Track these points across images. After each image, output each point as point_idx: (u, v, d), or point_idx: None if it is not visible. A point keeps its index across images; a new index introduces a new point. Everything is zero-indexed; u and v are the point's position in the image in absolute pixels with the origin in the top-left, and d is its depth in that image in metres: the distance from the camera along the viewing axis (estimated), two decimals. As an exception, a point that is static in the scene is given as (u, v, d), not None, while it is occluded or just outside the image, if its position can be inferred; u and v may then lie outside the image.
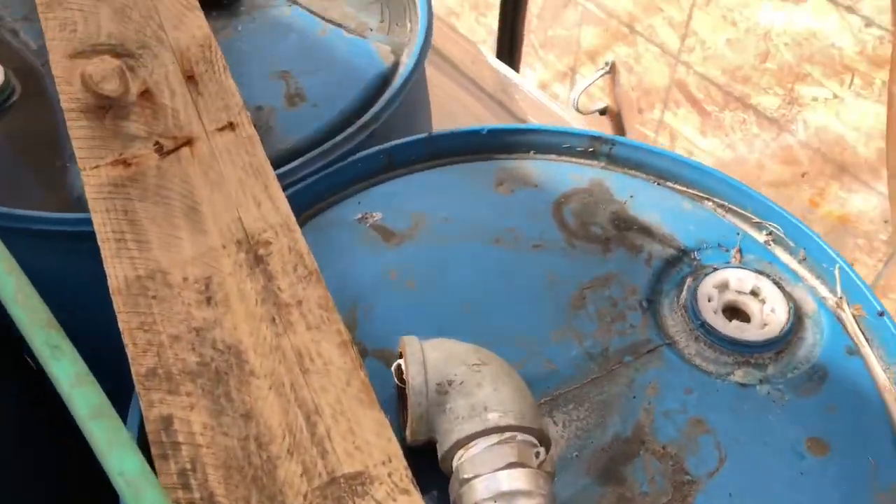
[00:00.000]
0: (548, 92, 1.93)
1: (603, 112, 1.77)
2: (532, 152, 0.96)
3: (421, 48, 1.01)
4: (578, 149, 0.95)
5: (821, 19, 1.25)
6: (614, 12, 1.61)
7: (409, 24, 1.07)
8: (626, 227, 0.86)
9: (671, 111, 1.61)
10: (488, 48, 1.78)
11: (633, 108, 1.70)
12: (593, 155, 0.95)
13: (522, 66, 1.96)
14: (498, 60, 1.69)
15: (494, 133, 0.94)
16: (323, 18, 1.05)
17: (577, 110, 1.73)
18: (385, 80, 0.98)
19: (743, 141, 1.49)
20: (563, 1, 1.72)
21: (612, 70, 1.69)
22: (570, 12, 1.72)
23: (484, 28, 2.02)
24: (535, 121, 1.57)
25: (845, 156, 1.33)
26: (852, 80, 1.26)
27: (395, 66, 1.01)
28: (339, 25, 1.05)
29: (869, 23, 1.19)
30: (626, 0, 1.56)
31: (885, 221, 1.32)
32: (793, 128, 1.38)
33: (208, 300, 0.74)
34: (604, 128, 1.80)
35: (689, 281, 0.81)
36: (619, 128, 1.76)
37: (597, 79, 1.70)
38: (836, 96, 1.29)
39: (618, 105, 1.73)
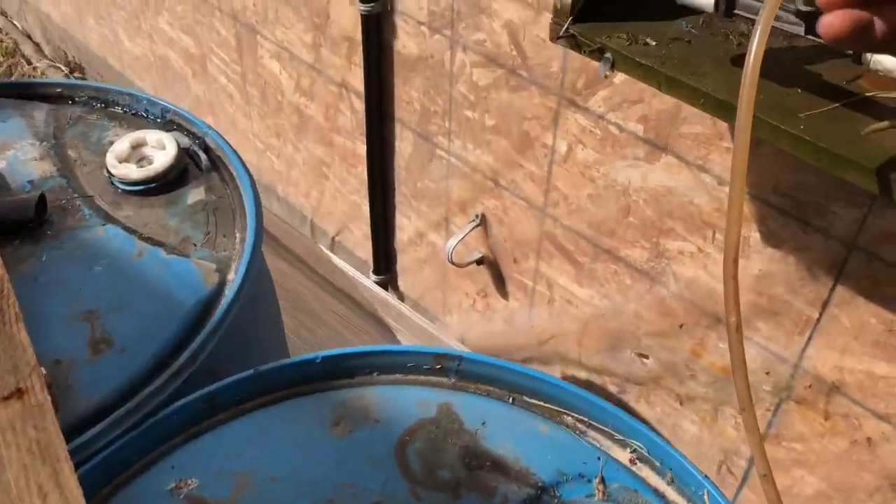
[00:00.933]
0: (425, 240, 1.87)
1: (480, 262, 1.72)
2: (375, 374, 0.87)
3: (248, 263, 0.93)
4: (425, 367, 0.87)
5: (675, 177, 1.23)
6: (477, 167, 1.57)
7: (237, 234, 0.98)
8: (477, 466, 0.77)
9: (545, 261, 1.57)
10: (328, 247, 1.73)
11: (509, 258, 1.65)
12: (442, 372, 0.87)
13: (399, 216, 1.91)
14: (341, 260, 1.63)
15: (331, 360, 0.85)
16: (140, 237, 0.96)
17: (453, 263, 1.67)
18: (207, 306, 0.89)
19: (618, 291, 1.45)
20: (427, 155, 1.69)
21: (482, 222, 1.65)
22: (436, 165, 1.68)
23: (356, 179, 1.97)
24: (395, 325, 1.51)
25: (718, 308, 1.29)
26: (714, 236, 1.23)
27: (221, 286, 0.92)
28: (158, 244, 0.95)
29: (721, 181, 1.17)
30: (487, 156, 1.53)
31: (767, 373, 1.28)
32: (664, 280, 1.35)
33: None
34: (483, 278, 1.74)
35: (549, 528, 0.72)
36: (499, 278, 1.70)
37: (468, 232, 1.65)
38: (700, 250, 1.27)
39: (493, 255, 1.68)
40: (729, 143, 1.14)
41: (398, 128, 1.72)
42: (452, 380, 0.87)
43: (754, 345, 1.28)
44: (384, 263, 2.03)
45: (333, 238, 2.20)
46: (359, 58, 1.66)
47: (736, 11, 0.77)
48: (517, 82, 1.37)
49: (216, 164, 1.08)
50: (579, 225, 1.44)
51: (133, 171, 1.02)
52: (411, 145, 1.72)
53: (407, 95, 1.63)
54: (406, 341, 1.54)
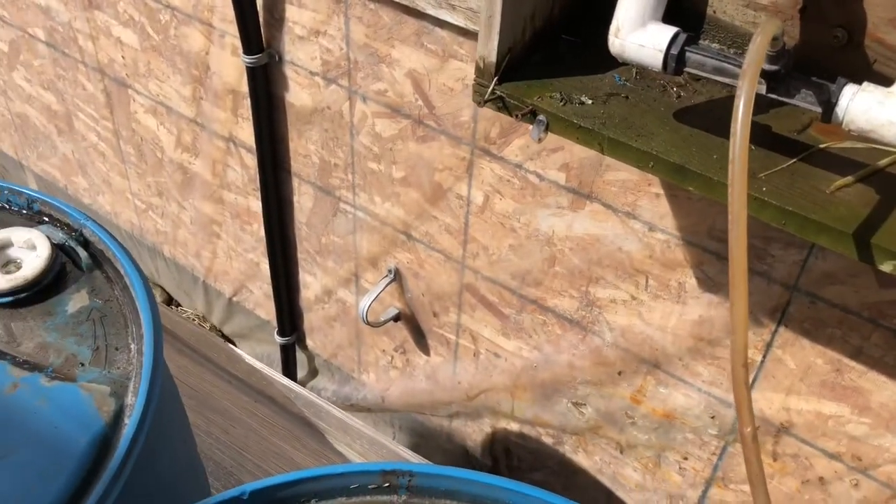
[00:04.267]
0: (334, 298, 1.75)
1: (397, 319, 1.61)
2: (314, 501, 0.75)
3: (150, 380, 0.79)
4: (371, 486, 0.76)
5: (602, 225, 1.17)
6: (387, 220, 1.47)
7: (132, 345, 0.84)
8: None
9: (467, 314, 1.48)
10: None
11: (428, 313, 1.56)
12: (391, 490, 0.76)
13: (302, 274, 1.78)
14: (252, 358, 1.48)
15: (260, 494, 0.73)
16: (14, 362, 0.81)
17: (368, 323, 1.56)
18: (104, 445, 0.75)
19: (549, 342, 1.38)
20: (330, 209, 1.57)
21: (397, 276, 1.55)
22: (341, 220, 1.57)
23: (252, 236, 1.83)
24: (319, 423, 1.37)
25: (657, 354, 1.24)
26: (647, 282, 1.18)
27: (119, 415, 0.78)
28: (36, 368, 0.80)
29: (652, 227, 1.12)
30: (397, 209, 1.43)
31: (712, 417, 1.23)
32: (597, 329, 1.29)
33: None
34: (401, 334, 1.64)
35: None
36: (418, 333, 1.61)
37: (383, 289, 1.55)
38: (634, 298, 1.21)
39: (411, 310, 1.58)
40: (658, 188, 1.08)
41: (296, 182, 1.60)
42: (404, 497, 0.76)
43: (696, 390, 1.23)
44: (289, 323, 1.90)
45: (231, 299, 2.05)
46: (246, 111, 1.53)
47: (686, 69, 0.70)
48: (425, 133, 1.28)
49: (98, 260, 0.93)
50: (502, 276, 1.36)
51: (-2, 281, 0.87)
52: (312, 200, 1.60)
53: (304, 149, 1.51)
54: (335, 440, 1.41)
